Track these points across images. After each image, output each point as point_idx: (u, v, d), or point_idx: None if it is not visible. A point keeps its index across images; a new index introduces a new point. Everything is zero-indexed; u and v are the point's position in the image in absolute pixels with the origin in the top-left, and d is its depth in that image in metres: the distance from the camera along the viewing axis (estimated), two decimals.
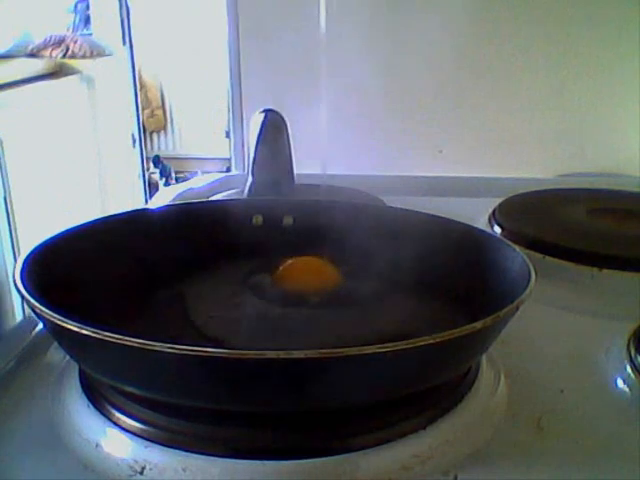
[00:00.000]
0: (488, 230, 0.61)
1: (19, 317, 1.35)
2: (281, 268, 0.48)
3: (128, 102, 2.20)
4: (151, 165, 3.20)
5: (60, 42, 2.04)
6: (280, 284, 0.47)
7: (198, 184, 0.90)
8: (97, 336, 0.31)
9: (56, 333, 0.36)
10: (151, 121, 3.47)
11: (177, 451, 0.34)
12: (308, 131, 0.94)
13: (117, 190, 2.19)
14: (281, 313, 0.43)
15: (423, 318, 0.43)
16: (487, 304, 0.36)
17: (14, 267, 0.38)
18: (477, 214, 0.67)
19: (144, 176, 2.35)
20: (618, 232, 0.65)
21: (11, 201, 1.58)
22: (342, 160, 0.94)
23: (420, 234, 0.50)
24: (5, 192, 1.56)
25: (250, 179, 0.59)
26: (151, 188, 2.69)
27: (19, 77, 1.79)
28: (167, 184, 3.12)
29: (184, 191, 0.83)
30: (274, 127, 0.60)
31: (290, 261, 0.49)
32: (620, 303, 0.53)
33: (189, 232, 0.52)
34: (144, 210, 0.60)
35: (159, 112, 3.53)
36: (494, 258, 0.44)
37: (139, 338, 0.30)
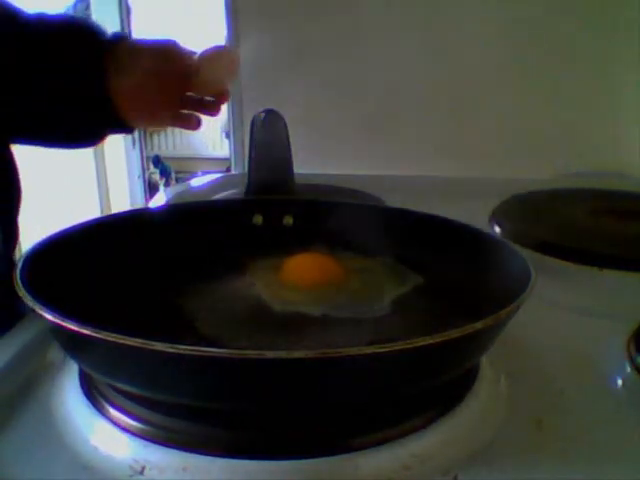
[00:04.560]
0: (488, 230, 0.61)
1: None
2: (288, 263, 0.48)
3: None
4: (151, 165, 3.20)
5: None
6: (287, 279, 0.47)
7: (198, 184, 0.91)
8: (97, 336, 0.31)
9: (56, 333, 0.36)
10: None
11: (177, 451, 0.34)
12: (308, 131, 0.94)
13: (117, 190, 2.19)
14: (282, 312, 0.43)
15: (423, 318, 0.43)
16: (488, 304, 0.36)
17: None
18: (477, 214, 0.67)
19: (144, 176, 2.36)
20: (618, 232, 0.66)
21: None
22: (342, 160, 0.94)
23: (420, 234, 0.51)
24: None
25: (250, 179, 0.59)
26: (151, 188, 2.69)
27: None
28: (167, 184, 3.13)
29: (184, 191, 0.83)
30: (274, 127, 0.60)
31: (296, 256, 0.49)
32: (620, 303, 0.53)
33: (189, 232, 0.52)
34: (144, 210, 0.60)
35: None
36: (494, 258, 0.44)
37: (139, 338, 0.30)
